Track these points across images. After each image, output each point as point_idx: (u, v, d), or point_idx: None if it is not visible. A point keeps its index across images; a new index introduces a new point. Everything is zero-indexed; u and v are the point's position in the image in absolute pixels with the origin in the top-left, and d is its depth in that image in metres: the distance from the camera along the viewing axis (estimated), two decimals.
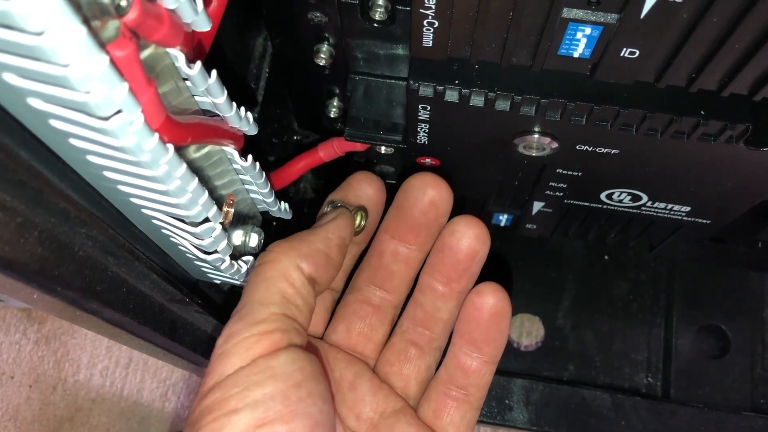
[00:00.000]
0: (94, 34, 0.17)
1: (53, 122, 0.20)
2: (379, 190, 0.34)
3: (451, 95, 0.29)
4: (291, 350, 0.26)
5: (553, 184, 0.35)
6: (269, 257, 0.28)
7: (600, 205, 0.37)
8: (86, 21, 0.17)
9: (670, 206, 0.36)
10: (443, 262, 0.32)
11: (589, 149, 0.31)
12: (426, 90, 0.29)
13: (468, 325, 0.32)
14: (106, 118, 0.19)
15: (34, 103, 0.19)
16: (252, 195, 0.34)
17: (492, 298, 0.31)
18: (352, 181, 0.35)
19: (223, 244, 0.29)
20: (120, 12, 0.17)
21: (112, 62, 0.18)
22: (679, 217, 0.37)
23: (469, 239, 0.32)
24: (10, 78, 0.18)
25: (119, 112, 0.19)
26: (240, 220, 0.34)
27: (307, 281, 0.28)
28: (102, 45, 0.18)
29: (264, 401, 0.24)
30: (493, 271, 0.33)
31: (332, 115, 0.38)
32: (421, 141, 0.33)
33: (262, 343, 0.25)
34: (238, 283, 0.35)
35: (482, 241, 0.32)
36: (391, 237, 0.34)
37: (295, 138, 0.47)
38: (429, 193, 0.32)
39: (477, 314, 0.31)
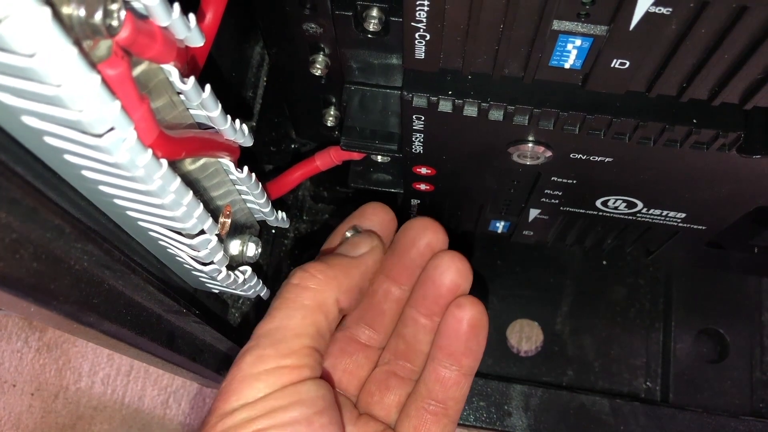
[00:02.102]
0: (86, 54, 0.18)
1: (48, 139, 0.20)
2: (392, 221, 0.35)
3: (445, 105, 0.29)
4: (315, 379, 0.27)
5: (549, 191, 0.36)
6: (311, 284, 0.28)
7: (596, 212, 0.37)
8: (77, 42, 0.17)
9: (665, 213, 0.36)
10: (426, 295, 0.33)
11: (583, 157, 0.31)
12: (420, 101, 0.29)
13: (448, 338, 0.32)
14: (100, 135, 0.19)
15: (29, 121, 0.19)
16: (249, 205, 0.34)
17: (471, 311, 0.32)
18: (368, 211, 0.35)
19: (220, 255, 0.29)
20: (111, 32, 0.18)
21: (104, 81, 0.18)
22: (675, 224, 0.37)
23: (452, 274, 0.32)
24: (5, 97, 0.18)
25: (112, 129, 0.19)
26: (237, 230, 0.34)
27: (338, 314, 0.29)
28: (93, 64, 0.18)
29: (291, 424, 0.25)
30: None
31: (329, 124, 0.38)
32: (416, 150, 0.33)
33: (292, 374, 0.26)
34: (237, 292, 0.35)
35: (464, 276, 0.33)
36: (386, 276, 0.34)
37: (292, 146, 0.47)
38: (427, 236, 0.33)
39: (457, 326, 0.32)
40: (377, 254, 0.32)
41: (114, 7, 0.18)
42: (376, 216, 0.34)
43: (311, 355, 0.27)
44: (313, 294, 0.28)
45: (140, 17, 0.20)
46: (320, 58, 0.33)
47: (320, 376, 0.28)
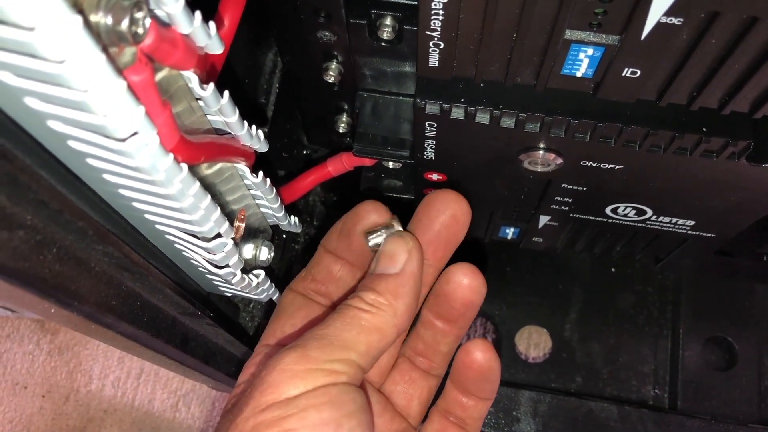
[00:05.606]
0: (112, 60, 0.18)
1: (72, 143, 0.21)
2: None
3: (457, 113, 0.29)
4: (347, 383, 0.27)
5: (559, 198, 0.36)
6: (368, 308, 0.29)
7: (605, 219, 0.37)
8: (105, 49, 0.18)
9: (674, 220, 0.36)
10: (440, 305, 0.33)
11: (594, 165, 0.31)
12: (432, 108, 0.29)
13: (460, 376, 0.33)
14: (123, 140, 0.20)
15: (55, 125, 0.20)
16: (262, 209, 0.35)
17: (480, 357, 0.32)
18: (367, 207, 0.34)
19: (235, 258, 0.30)
20: (137, 39, 0.18)
21: (129, 87, 0.19)
22: (684, 231, 0.37)
23: (464, 290, 0.32)
24: (32, 102, 0.19)
25: (135, 133, 0.20)
26: (251, 234, 0.35)
27: (396, 336, 0.29)
28: (119, 70, 0.18)
29: (320, 425, 0.25)
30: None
31: (341, 131, 0.39)
32: (428, 157, 0.34)
33: (329, 377, 0.26)
34: (250, 295, 0.35)
35: (477, 292, 0.32)
36: None
37: (304, 152, 0.47)
38: (451, 207, 0.32)
39: (466, 371, 0.33)
40: (417, 257, 0.30)
41: (140, 15, 0.18)
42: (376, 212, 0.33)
43: (353, 369, 0.27)
44: (371, 317, 0.28)
45: (163, 25, 0.20)
46: (333, 65, 0.33)
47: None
